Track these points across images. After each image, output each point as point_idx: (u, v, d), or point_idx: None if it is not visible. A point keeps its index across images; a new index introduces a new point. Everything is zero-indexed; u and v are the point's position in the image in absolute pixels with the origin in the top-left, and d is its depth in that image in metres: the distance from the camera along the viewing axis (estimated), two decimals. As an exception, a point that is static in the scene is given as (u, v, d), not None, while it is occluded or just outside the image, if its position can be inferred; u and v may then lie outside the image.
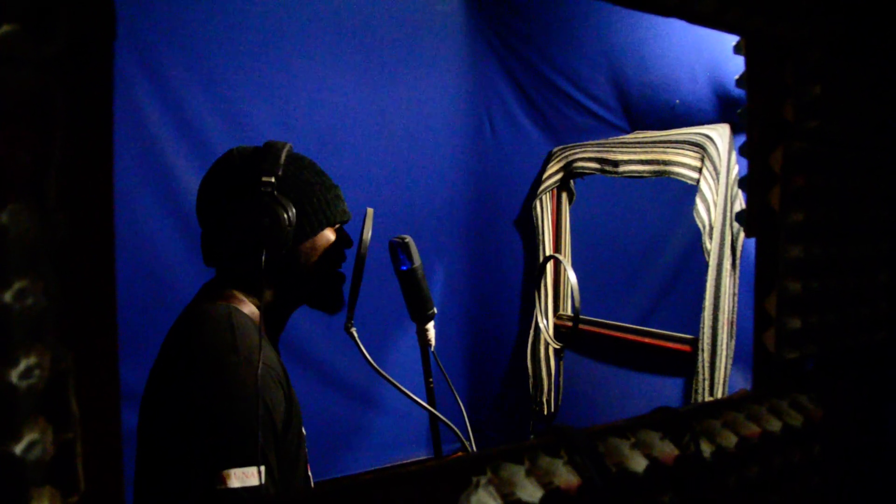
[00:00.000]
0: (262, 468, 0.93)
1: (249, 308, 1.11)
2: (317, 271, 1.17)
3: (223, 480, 0.90)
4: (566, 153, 2.70)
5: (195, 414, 0.95)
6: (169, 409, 0.99)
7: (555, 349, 2.78)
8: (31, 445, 0.39)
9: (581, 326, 2.56)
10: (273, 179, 1.08)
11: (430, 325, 1.47)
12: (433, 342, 1.48)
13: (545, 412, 2.84)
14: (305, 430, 1.20)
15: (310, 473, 1.25)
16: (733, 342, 2.03)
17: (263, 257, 1.06)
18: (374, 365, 1.27)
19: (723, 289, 2.02)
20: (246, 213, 1.07)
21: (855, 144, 0.90)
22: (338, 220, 1.20)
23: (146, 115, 2.20)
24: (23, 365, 0.39)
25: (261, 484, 0.92)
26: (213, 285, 1.16)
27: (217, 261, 1.16)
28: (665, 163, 2.21)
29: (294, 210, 1.09)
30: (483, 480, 0.58)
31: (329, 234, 1.19)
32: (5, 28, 0.37)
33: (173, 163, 2.24)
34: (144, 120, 2.20)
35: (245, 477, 0.91)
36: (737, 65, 0.87)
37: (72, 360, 0.42)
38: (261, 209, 1.06)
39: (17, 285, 0.38)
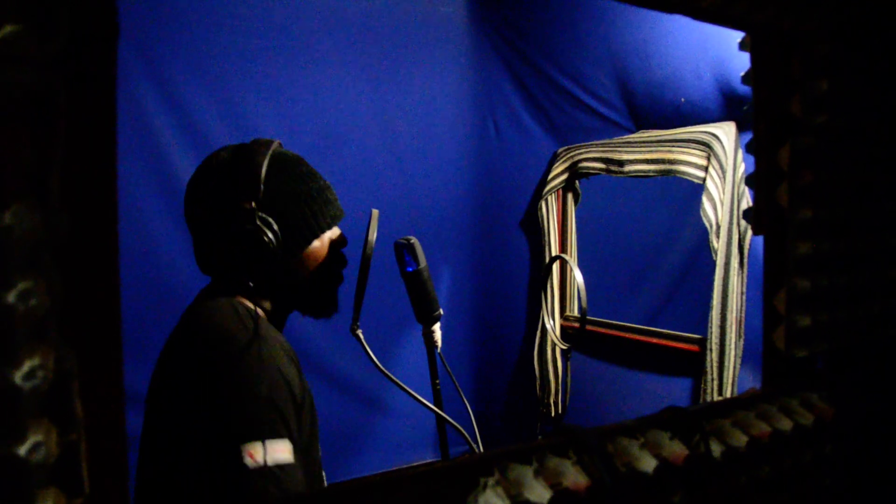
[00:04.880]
0: (289, 440, 0.93)
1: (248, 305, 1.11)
2: (309, 282, 1.16)
3: (250, 455, 0.89)
4: (571, 153, 2.69)
5: (216, 394, 0.94)
6: (186, 396, 0.97)
7: (562, 350, 2.76)
8: (35, 447, 0.38)
9: (588, 327, 2.55)
10: (253, 204, 1.04)
11: (437, 327, 1.47)
12: (439, 344, 1.48)
13: (553, 413, 2.83)
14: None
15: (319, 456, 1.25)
16: (742, 341, 2.02)
17: (250, 281, 1.05)
18: (381, 367, 1.26)
19: (730, 288, 2.00)
20: (227, 237, 1.04)
21: (864, 139, 0.89)
22: (326, 228, 1.16)
23: (149, 115, 2.20)
24: (27, 366, 0.38)
25: (291, 462, 0.91)
26: (209, 290, 1.15)
27: (210, 270, 1.15)
28: (671, 162, 2.20)
29: (277, 228, 1.06)
30: (491, 481, 0.58)
31: (318, 245, 1.15)
32: (7, 28, 0.37)
33: (176, 162, 2.24)
34: (148, 120, 2.20)
35: (273, 451, 0.90)
36: (742, 62, 0.86)
37: (75, 360, 0.42)
38: (241, 236, 1.03)
39: (20, 285, 0.38)
